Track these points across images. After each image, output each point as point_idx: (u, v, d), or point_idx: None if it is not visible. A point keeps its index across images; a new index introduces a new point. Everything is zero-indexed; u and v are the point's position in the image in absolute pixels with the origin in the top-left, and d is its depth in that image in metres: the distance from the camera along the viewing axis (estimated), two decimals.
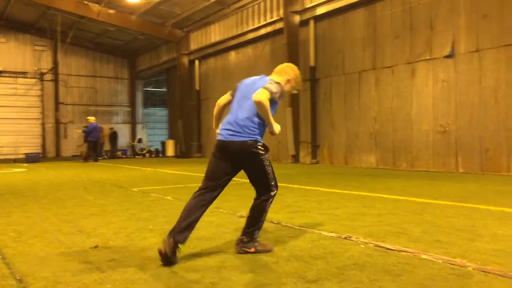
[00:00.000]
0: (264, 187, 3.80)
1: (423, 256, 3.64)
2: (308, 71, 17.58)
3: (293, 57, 17.11)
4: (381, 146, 14.92)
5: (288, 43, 17.89)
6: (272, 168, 3.80)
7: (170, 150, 27.61)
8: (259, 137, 3.73)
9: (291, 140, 17.56)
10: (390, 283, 2.97)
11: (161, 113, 36.13)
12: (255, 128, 3.70)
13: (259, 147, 3.70)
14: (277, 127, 3.77)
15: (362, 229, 4.77)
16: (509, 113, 11.65)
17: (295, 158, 17.75)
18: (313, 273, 3.20)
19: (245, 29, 21.16)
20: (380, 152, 14.95)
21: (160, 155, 28.70)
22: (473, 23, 12.35)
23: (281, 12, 18.51)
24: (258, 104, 3.55)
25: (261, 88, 3.61)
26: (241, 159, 3.73)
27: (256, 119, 3.69)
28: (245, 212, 5.74)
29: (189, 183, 10.31)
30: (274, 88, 3.65)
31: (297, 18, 17.94)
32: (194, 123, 26.22)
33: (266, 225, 4.39)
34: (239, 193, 7.71)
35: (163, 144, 28.99)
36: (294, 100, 17.43)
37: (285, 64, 4.15)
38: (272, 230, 4.80)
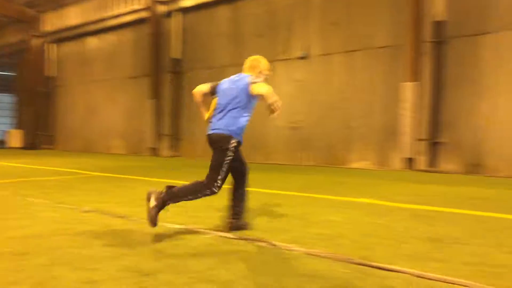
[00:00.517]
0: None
1: (261, 244, 3.85)
2: (172, 63, 17.38)
3: (157, 47, 16.76)
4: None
5: (153, 33, 17.47)
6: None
7: (16, 141, 24.98)
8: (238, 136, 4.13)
9: (151, 132, 17.21)
10: (223, 271, 3.07)
11: (6, 99, 32.44)
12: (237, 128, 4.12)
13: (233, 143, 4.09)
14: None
15: (208, 220, 4.85)
16: (349, 114, 12.98)
17: (154, 151, 17.45)
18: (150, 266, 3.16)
19: (107, 15, 20.07)
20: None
21: (4, 146, 25.84)
22: (324, 28, 13.46)
23: (148, 0, 17.97)
24: (262, 96, 3.90)
25: (250, 84, 4.02)
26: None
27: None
28: (89, 207, 5.45)
29: (32, 176, 9.43)
30: (259, 81, 4.07)
31: (163, 9, 17.59)
32: (46, 112, 24.09)
33: (113, 220, 4.20)
34: (86, 187, 7.29)
35: (7, 134, 26.15)
36: (156, 92, 17.10)
37: (251, 58, 4.35)
38: (117, 223, 4.62)
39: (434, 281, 2.92)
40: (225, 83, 4.28)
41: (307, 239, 4.01)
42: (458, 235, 4.25)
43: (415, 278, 2.98)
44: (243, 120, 4.17)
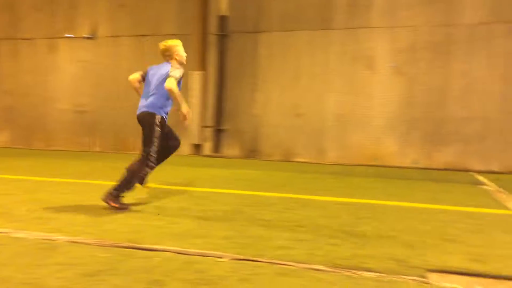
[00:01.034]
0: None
1: (19, 235, 3.49)
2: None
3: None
4: (15, 123, 13.75)
5: None
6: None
7: None
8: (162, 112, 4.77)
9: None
10: None
11: None
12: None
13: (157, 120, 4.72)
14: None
15: None
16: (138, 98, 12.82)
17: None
18: None
19: None
20: (13, 130, 13.76)
21: None
22: (113, 9, 12.91)
23: None
24: (170, 91, 4.55)
25: (167, 76, 4.56)
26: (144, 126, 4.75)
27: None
28: None
29: None
30: (177, 73, 4.61)
31: None
32: None
33: None
34: None
35: None
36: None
37: (163, 43, 4.93)
38: None
39: (192, 256, 3.11)
40: (152, 69, 4.91)
41: (73, 227, 3.81)
42: (222, 213, 4.63)
43: (175, 254, 3.13)
44: (166, 101, 4.75)
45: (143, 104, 4.80)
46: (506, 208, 5.44)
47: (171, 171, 8.42)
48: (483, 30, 10.41)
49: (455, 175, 9.16)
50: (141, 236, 3.59)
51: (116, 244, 3.31)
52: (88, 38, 13.05)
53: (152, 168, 4.74)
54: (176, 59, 4.87)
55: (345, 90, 11.46)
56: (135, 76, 4.97)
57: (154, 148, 4.68)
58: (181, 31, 12.57)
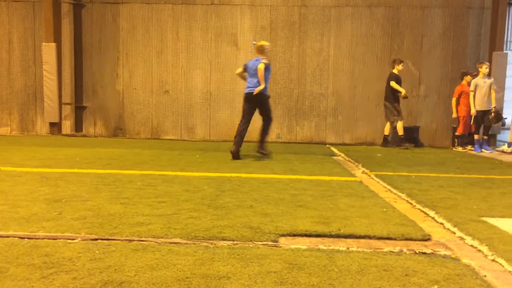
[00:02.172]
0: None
1: None
2: None
3: None
4: None
5: None
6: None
7: None
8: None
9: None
10: None
11: None
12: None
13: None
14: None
15: None
16: None
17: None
18: None
19: None
20: None
21: None
22: None
23: None
24: (258, 70, 7.05)
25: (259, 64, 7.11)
26: (256, 102, 7.31)
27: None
28: None
29: None
30: (265, 61, 7.12)
31: None
32: None
33: None
34: None
35: None
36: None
37: (259, 43, 7.48)
38: None
39: (40, 240, 2.89)
40: (250, 62, 7.45)
41: None
42: (79, 193, 4.38)
43: (19, 239, 2.88)
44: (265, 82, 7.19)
45: (249, 86, 7.33)
46: (352, 175, 6.05)
47: (25, 152, 7.67)
48: (334, 12, 11.28)
49: (312, 148, 9.89)
50: None
51: None
52: None
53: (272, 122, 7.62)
54: (265, 54, 7.34)
55: (211, 66, 11.54)
56: (239, 70, 7.66)
57: (270, 110, 7.52)
58: None
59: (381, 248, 2.92)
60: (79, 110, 11.86)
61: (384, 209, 4.00)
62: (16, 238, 2.91)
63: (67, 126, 11.84)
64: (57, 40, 11.39)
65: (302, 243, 2.99)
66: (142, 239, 2.96)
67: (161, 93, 11.67)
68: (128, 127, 11.82)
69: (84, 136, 11.64)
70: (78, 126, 11.91)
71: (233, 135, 11.41)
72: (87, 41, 11.70)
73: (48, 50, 11.26)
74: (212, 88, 11.56)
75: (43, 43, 11.32)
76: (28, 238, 2.92)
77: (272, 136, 11.48)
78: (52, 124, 11.66)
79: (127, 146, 9.26)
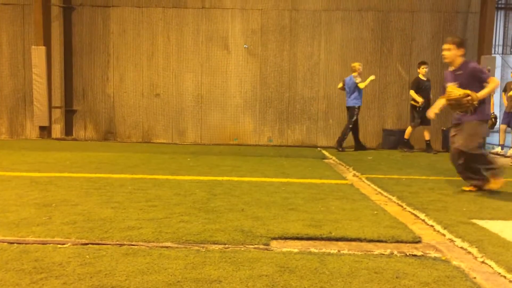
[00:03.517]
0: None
1: None
2: None
3: None
4: None
5: None
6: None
7: None
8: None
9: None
10: None
11: None
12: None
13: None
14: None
15: None
16: None
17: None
18: None
19: None
20: None
21: None
22: None
23: None
24: (359, 87, 9.66)
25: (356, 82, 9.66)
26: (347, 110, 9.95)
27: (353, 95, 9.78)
28: None
29: None
30: (358, 79, 9.56)
31: None
32: None
33: None
34: None
35: None
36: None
37: (354, 64, 9.78)
38: None
39: (29, 245, 2.86)
40: (347, 79, 9.74)
41: None
42: (69, 197, 4.35)
43: (8, 244, 2.85)
44: (359, 97, 9.79)
45: (348, 99, 9.74)
46: (343, 178, 6.08)
47: (15, 156, 7.60)
48: (324, 16, 11.34)
49: (304, 151, 9.92)
50: None
51: None
52: None
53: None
54: (358, 72, 9.57)
55: (202, 70, 11.53)
56: (340, 84, 9.95)
57: (350, 121, 9.71)
58: (18, 1, 11.35)
59: (372, 251, 2.94)
60: (69, 113, 11.78)
61: (375, 212, 4.02)
62: (5, 243, 2.88)
63: (57, 129, 11.75)
64: (47, 43, 11.30)
65: (294, 246, 2.99)
66: (133, 243, 2.95)
67: (152, 97, 11.63)
68: (119, 130, 11.76)
69: (74, 140, 11.55)
70: (68, 130, 11.82)
71: (224, 138, 11.45)
72: (77, 45, 11.63)
73: (38, 53, 11.16)
74: (203, 91, 11.54)
75: (33, 46, 11.23)
76: (17, 243, 2.89)
77: (263, 139, 11.51)
78: (42, 128, 11.55)
79: (117, 150, 9.21)
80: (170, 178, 5.65)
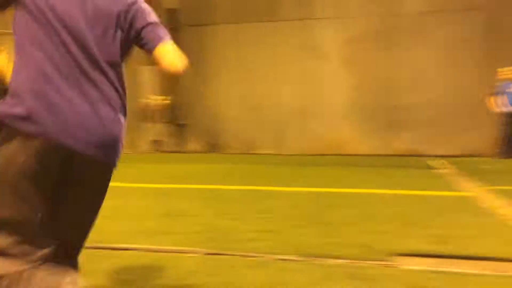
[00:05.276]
0: None
1: None
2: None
3: None
4: None
5: None
6: None
7: None
8: None
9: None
10: None
11: None
12: None
13: None
14: None
15: None
16: None
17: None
18: None
19: None
20: None
21: None
22: None
23: None
24: None
25: None
26: None
27: None
28: None
29: None
30: None
31: None
32: None
33: None
34: None
35: None
36: None
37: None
38: None
39: (165, 253, 3.07)
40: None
41: None
42: (188, 207, 4.60)
43: (144, 252, 3.09)
44: None
45: None
46: (459, 190, 5.69)
47: (132, 169, 8.25)
48: (426, 19, 10.81)
49: (411, 161, 9.47)
50: (109, 235, 3.51)
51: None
52: None
53: None
54: None
55: (299, 80, 11.60)
56: None
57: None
58: None
59: (507, 272, 2.71)
60: (178, 127, 12.53)
61: (505, 228, 3.71)
62: (141, 252, 3.12)
63: (168, 143, 12.55)
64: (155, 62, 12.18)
65: (420, 264, 2.86)
66: (254, 254, 3.02)
67: (251, 109, 11.94)
68: (222, 142, 12.23)
69: (183, 152, 12.23)
70: (178, 142, 12.57)
71: (326, 148, 11.33)
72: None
73: (147, 73, 12.06)
74: (302, 101, 11.59)
75: (141, 66, 12.17)
76: (152, 251, 3.12)
77: (366, 148, 11.16)
78: (153, 142, 12.43)
79: (222, 161, 9.57)
80: (281, 190, 5.73)
